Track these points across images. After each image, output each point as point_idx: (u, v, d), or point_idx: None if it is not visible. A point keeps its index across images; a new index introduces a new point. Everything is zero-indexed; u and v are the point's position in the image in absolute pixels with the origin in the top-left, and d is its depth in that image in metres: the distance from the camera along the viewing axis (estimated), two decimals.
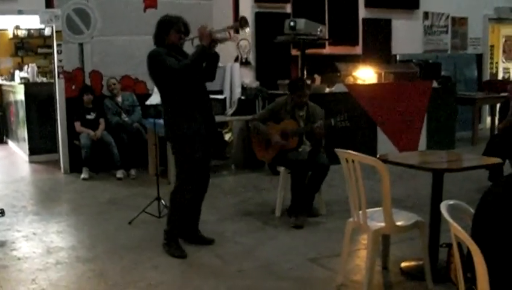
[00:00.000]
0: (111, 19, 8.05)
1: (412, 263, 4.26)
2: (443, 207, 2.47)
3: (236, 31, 4.64)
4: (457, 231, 2.24)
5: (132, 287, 3.91)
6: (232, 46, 8.84)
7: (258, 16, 9.02)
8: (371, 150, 8.46)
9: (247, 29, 4.42)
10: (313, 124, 5.44)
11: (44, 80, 9.85)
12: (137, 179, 7.47)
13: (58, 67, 7.82)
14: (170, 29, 4.45)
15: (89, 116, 7.67)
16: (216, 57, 4.53)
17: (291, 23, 7.98)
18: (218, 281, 4.01)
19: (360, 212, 3.82)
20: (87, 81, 7.97)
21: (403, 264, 4.27)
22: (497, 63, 12.56)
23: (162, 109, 4.59)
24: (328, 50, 9.52)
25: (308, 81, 8.05)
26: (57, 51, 7.79)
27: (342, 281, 3.96)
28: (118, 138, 7.61)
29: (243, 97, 8.37)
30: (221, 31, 4.42)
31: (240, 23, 4.36)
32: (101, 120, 7.69)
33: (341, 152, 3.87)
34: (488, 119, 11.23)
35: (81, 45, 7.93)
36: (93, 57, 8.02)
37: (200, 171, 4.55)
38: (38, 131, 8.98)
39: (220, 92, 8.50)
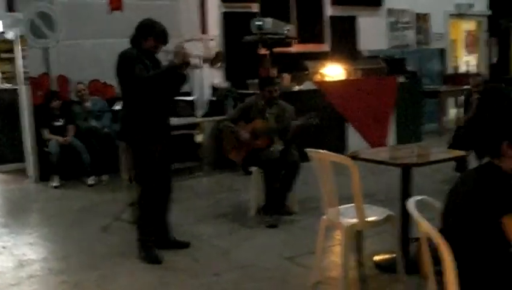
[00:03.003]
0: (76, 23, 7.93)
1: (385, 256, 4.34)
2: (411, 203, 2.53)
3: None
4: (425, 226, 2.30)
5: None
6: (201, 46, 8.84)
7: (225, 16, 9.03)
8: (341, 146, 8.57)
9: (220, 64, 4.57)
10: (289, 122, 5.48)
11: (9, 86, 9.67)
12: (110, 184, 7.39)
13: (23, 73, 7.68)
14: (150, 36, 4.43)
15: (57, 123, 7.56)
16: (184, 78, 4.54)
17: (259, 23, 8.02)
18: (196, 285, 4.03)
19: (333, 209, 3.88)
20: (54, 87, 7.86)
21: (377, 258, 4.35)
22: (459, 56, 12.82)
23: (121, 110, 4.59)
24: (295, 48, 9.56)
25: (278, 80, 8.13)
26: (21, 56, 7.65)
27: (318, 278, 4.02)
28: (88, 143, 7.53)
29: (213, 98, 8.39)
30: (195, 56, 4.47)
31: (216, 57, 4.47)
32: (70, 126, 7.59)
33: (312, 152, 3.92)
34: (453, 111, 11.45)
35: (46, 49, 7.81)
36: (60, 62, 7.91)
37: (161, 174, 4.56)
38: (3, 139, 8.78)
39: (189, 94, 8.50)
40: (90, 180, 7.40)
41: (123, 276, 4.24)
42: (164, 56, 4.63)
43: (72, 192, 7.14)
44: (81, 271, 4.39)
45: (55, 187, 7.31)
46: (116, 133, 4.67)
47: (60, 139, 7.45)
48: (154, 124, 4.47)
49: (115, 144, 7.59)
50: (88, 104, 7.80)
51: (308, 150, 3.96)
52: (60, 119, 7.60)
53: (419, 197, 2.62)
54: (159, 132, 4.51)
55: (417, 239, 2.55)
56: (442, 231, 2.32)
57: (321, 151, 3.87)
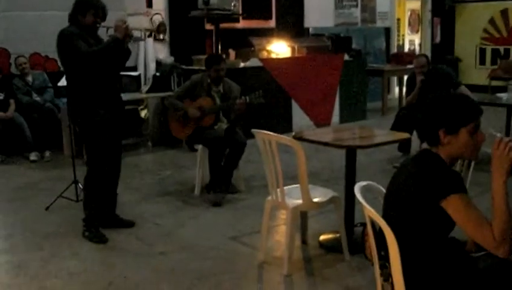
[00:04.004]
0: None
1: (330, 236, 4.43)
2: (357, 189, 2.59)
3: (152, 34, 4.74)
4: (371, 213, 2.36)
5: (53, 277, 3.85)
6: (146, 20, 8.71)
7: None
8: (287, 124, 8.65)
9: (162, 36, 4.57)
10: (235, 101, 5.48)
11: None
12: (52, 161, 7.22)
13: None
14: (88, 11, 4.33)
15: None
16: (128, 52, 4.49)
17: None
18: (141, 265, 4.02)
19: (278, 190, 3.93)
20: None
21: (321, 238, 4.44)
22: (403, 35, 13.05)
23: (67, 90, 4.53)
24: (242, 24, 9.53)
25: (223, 56, 8.11)
26: None
27: (264, 258, 4.08)
28: (29, 118, 7.34)
29: (157, 73, 8.30)
30: (137, 29, 4.43)
31: (158, 29, 4.47)
32: (11, 101, 7.36)
33: (257, 133, 3.94)
34: (397, 89, 11.68)
35: None
36: None
37: (111, 155, 4.52)
38: None
39: (134, 69, 8.39)
40: (33, 156, 7.22)
41: (67, 256, 4.20)
42: (104, 32, 4.56)
43: (14, 168, 6.95)
44: (25, 251, 4.31)
45: None
46: (68, 116, 4.59)
47: (1, 114, 7.23)
48: (104, 101, 4.39)
49: (57, 120, 7.45)
50: (29, 78, 7.60)
51: (254, 130, 3.99)
52: (0, 94, 7.37)
53: (364, 183, 2.67)
54: (109, 109, 4.43)
55: (362, 224, 2.61)
56: (385, 216, 2.39)
57: (267, 132, 3.90)
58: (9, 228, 4.86)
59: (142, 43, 8.47)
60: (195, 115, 5.50)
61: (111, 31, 4.40)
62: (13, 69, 7.70)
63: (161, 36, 4.69)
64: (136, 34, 4.50)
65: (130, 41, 4.44)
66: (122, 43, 4.30)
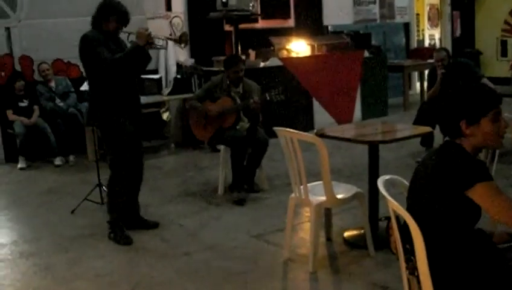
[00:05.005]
0: (38, 1, 7.77)
1: (354, 233, 4.42)
2: (380, 183, 2.57)
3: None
4: (395, 206, 2.35)
5: (80, 279, 3.89)
6: (165, 24, 8.76)
7: None
8: (309, 122, 8.65)
9: (184, 45, 4.61)
10: (249, 100, 5.49)
11: None
12: (77, 165, 7.32)
13: None
14: (111, 17, 4.37)
15: (21, 104, 7.43)
16: (148, 58, 4.48)
17: (223, 0, 7.97)
18: (166, 266, 4.04)
19: (302, 187, 3.93)
20: (17, 67, 7.73)
21: (346, 234, 4.42)
22: (423, 30, 12.93)
23: (88, 94, 4.57)
24: (261, 24, 9.55)
25: (243, 57, 8.12)
26: None
27: (288, 255, 4.08)
28: (53, 124, 7.43)
29: (178, 76, 8.34)
30: (159, 37, 4.47)
31: (180, 38, 4.50)
32: (35, 107, 7.46)
33: (279, 130, 3.95)
34: (418, 84, 11.59)
35: (8, 29, 7.65)
36: (22, 41, 7.76)
37: (132, 158, 4.55)
38: None
39: (155, 72, 8.44)
40: (57, 161, 7.31)
41: (93, 258, 4.24)
42: (126, 38, 4.60)
43: (39, 173, 7.05)
44: (52, 254, 4.37)
45: (22, 169, 7.20)
46: (85, 118, 4.65)
47: (25, 120, 7.33)
48: (124, 105, 4.44)
49: (80, 124, 7.53)
50: (52, 84, 7.69)
51: (276, 128, 3.99)
52: (25, 100, 7.47)
53: (388, 177, 2.66)
54: (129, 113, 4.47)
55: (387, 217, 2.60)
56: (410, 209, 2.37)
57: (289, 129, 3.91)
58: (36, 232, 4.93)
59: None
60: (215, 110, 5.51)
61: (132, 37, 4.44)
62: (36, 76, 7.80)
63: (182, 46, 4.69)
64: (158, 42, 4.54)
65: (150, 48, 4.48)
66: (143, 50, 4.32)
